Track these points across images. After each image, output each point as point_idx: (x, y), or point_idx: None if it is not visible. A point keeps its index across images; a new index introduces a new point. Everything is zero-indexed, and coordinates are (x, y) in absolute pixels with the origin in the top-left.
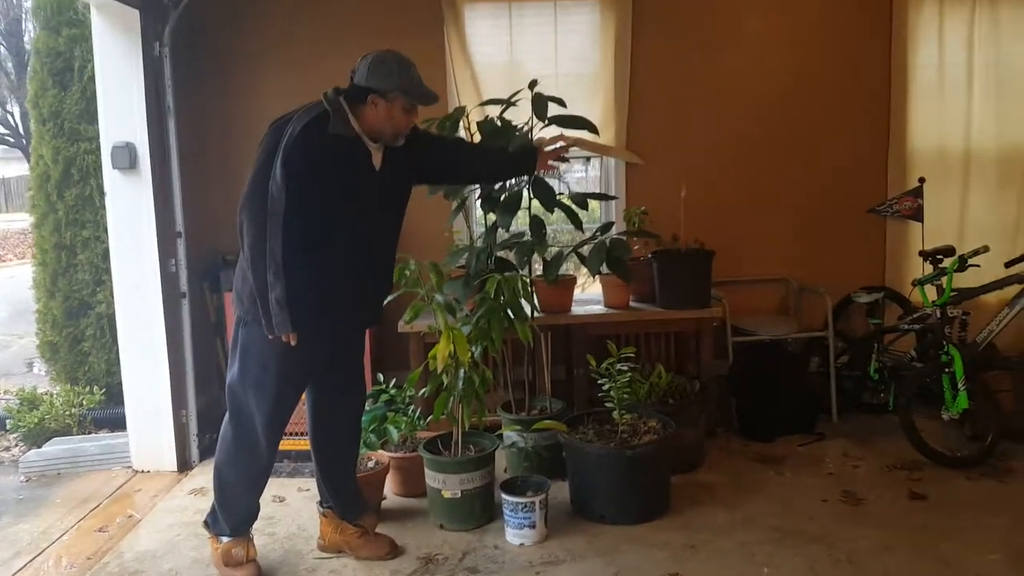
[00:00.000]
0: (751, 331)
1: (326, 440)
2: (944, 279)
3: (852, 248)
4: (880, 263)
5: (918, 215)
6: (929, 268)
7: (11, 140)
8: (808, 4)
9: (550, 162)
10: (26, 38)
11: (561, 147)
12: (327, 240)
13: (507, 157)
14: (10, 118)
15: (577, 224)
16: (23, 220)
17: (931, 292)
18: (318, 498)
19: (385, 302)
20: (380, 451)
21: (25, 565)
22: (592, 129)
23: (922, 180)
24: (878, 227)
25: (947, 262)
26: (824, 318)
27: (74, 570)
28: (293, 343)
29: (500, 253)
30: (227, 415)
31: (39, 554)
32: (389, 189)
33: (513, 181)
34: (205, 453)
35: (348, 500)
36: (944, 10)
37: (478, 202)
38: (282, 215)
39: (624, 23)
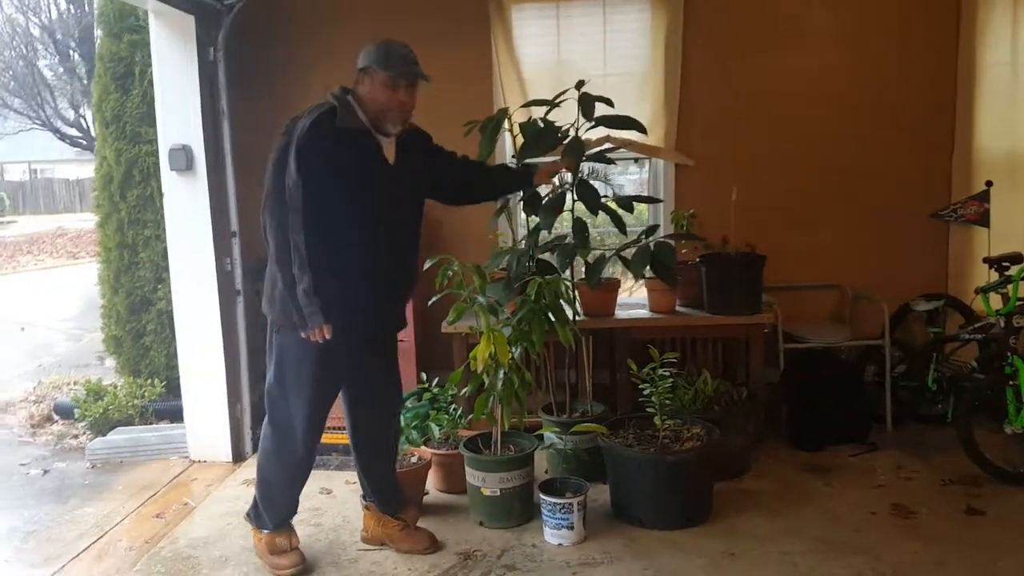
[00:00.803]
0: (804, 338)
1: (365, 439)
2: (1010, 287)
3: (912, 254)
4: (942, 270)
5: (984, 220)
6: (994, 275)
7: (84, 143)
8: (869, 2)
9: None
10: (97, 44)
11: (560, 165)
12: (347, 235)
13: (508, 173)
14: (83, 122)
15: (621, 227)
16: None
17: (995, 301)
18: (361, 492)
19: (409, 302)
20: (422, 447)
21: (89, 546)
22: (641, 129)
23: (989, 184)
24: (940, 233)
25: (1014, 269)
26: (881, 326)
27: (133, 553)
28: (328, 335)
29: (542, 256)
30: (266, 418)
31: (101, 536)
32: (405, 184)
33: (557, 183)
34: (258, 445)
35: (388, 495)
36: (1018, 5)
37: (521, 204)
38: (301, 209)
39: (675, 22)
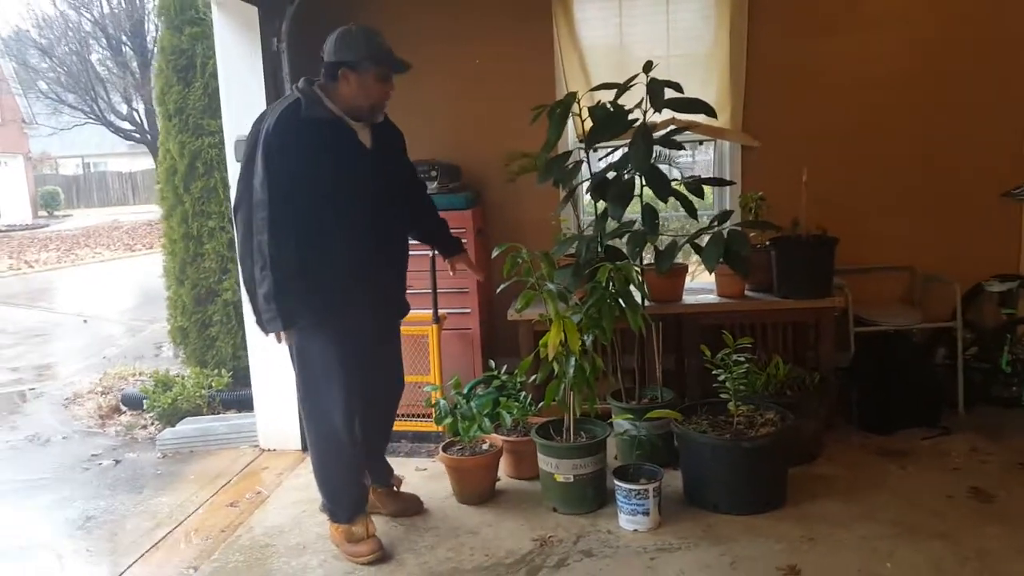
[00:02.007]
0: (874, 321)
1: (376, 413)
2: None
3: (984, 234)
4: (1015, 250)
5: None
6: None
7: (137, 136)
8: None
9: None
10: (149, 38)
11: (478, 273)
12: (334, 224)
13: (444, 229)
14: (136, 115)
15: (692, 213)
16: (149, 212)
17: None
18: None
19: (405, 279)
20: (493, 435)
21: (166, 535)
22: (710, 112)
23: None
24: (1014, 212)
25: None
26: (952, 308)
27: (210, 542)
28: (280, 342)
29: (610, 242)
30: (306, 421)
31: (177, 526)
32: (384, 167)
33: (625, 170)
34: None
35: (383, 467)
36: None
37: (586, 191)
38: (267, 209)
39: (740, 1)
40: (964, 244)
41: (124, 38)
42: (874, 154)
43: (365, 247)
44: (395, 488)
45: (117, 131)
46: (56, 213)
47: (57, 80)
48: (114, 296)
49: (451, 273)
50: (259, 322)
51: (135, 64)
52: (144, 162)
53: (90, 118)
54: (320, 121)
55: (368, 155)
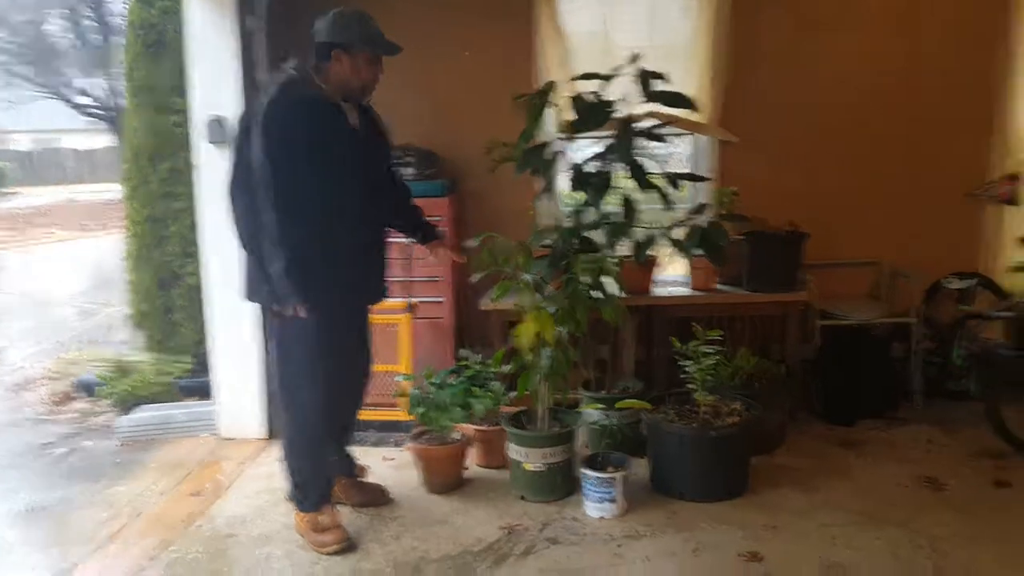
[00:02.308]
0: (838, 315)
1: (347, 402)
2: None
3: (947, 233)
4: (975, 249)
5: (1015, 200)
6: None
7: (97, 112)
8: None
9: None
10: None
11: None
12: (327, 202)
13: (419, 216)
14: (96, 90)
15: (668, 206)
16: (108, 191)
17: None
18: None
19: (388, 263)
20: (464, 424)
21: (125, 526)
22: (693, 107)
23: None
24: (976, 211)
25: None
26: (911, 303)
27: (171, 532)
28: (303, 314)
29: (586, 233)
30: (282, 405)
31: (138, 515)
32: (370, 148)
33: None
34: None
35: (349, 456)
36: None
37: (564, 182)
38: (272, 185)
39: None
40: (929, 241)
41: (86, 11)
42: (844, 151)
43: (353, 229)
44: (360, 478)
45: (75, 106)
46: (5, 190)
47: (10, 51)
48: (67, 278)
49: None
50: (275, 298)
51: (96, 37)
52: (103, 139)
53: (46, 92)
54: (315, 100)
55: (356, 135)
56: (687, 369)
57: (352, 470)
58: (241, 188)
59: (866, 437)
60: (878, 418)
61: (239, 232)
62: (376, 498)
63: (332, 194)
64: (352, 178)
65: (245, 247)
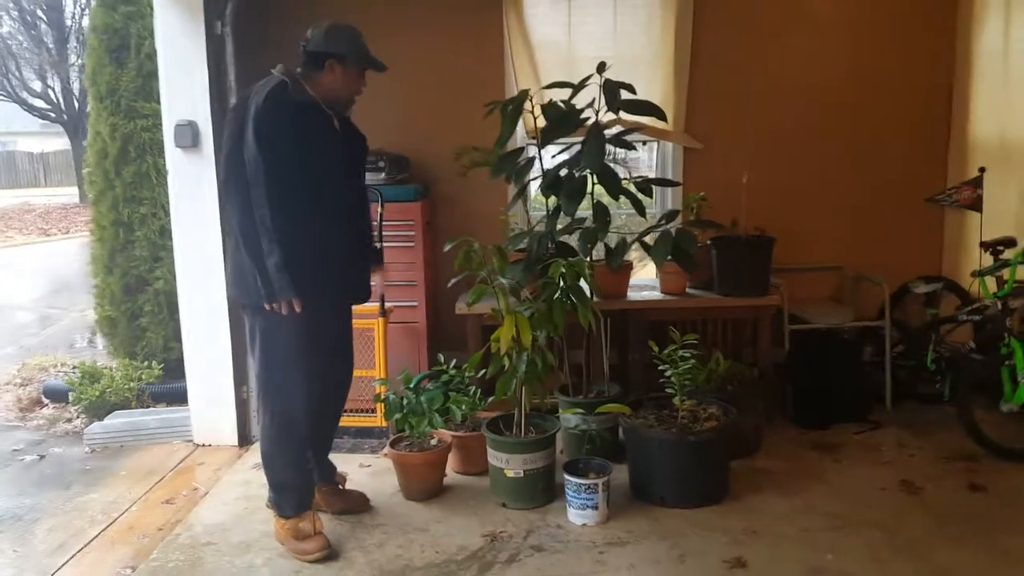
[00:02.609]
0: (807, 319)
1: (330, 408)
2: (1006, 271)
3: (909, 237)
4: (938, 253)
5: (977, 205)
6: (988, 259)
7: (52, 115)
8: None
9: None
10: (66, 12)
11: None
12: (312, 204)
13: (370, 242)
14: (51, 93)
15: (640, 211)
16: (63, 195)
17: (991, 283)
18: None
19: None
20: (442, 430)
21: (99, 534)
22: (661, 116)
23: (982, 170)
24: (936, 217)
25: (1008, 253)
26: (879, 307)
27: (147, 540)
28: (298, 308)
29: (560, 238)
30: (262, 409)
31: (111, 524)
32: (351, 155)
33: (578, 168)
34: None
35: (328, 463)
36: None
37: (538, 188)
38: (264, 183)
39: (685, 4)
40: (891, 246)
41: (39, 12)
42: (808, 157)
43: (336, 230)
44: (340, 486)
45: (30, 109)
46: None
47: None
48: (26, 283)
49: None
50: (268, 293)
51: (50, 39)
52: (57, 142)
53: (1, 95)
54: (304, 104)
55: (340, 142)
56: (665, 373)
57: (332, 476)
58: (233, 189)
59: (840, 440)
60: (850, 422)
61: (233, 231)
62: (357, 505)
63: (320, 193)
64: (338, 181)
65: (239, 247)
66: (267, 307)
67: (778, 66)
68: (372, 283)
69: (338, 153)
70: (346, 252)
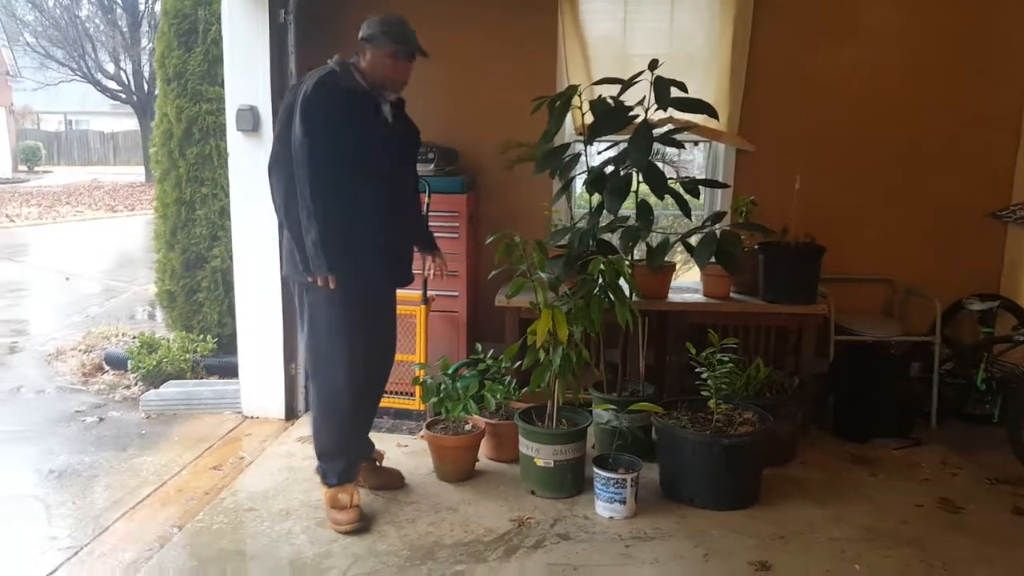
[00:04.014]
0: (854, 330)
1: (374, 386)
2: None
3: (966, 253)
4: (996, 270)
5: None
6: None
7: (123, 96)
8: None
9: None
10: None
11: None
12: (356, 189)
13: (422, 225)
14: (123, 75)
15: (686, 212)
16: (130, 173)
17: None
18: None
19: (413, 253)
20: (476, 416)
21: (151, 494)
22: (713, 114)
23: None
24: (998, 233)
25: None
26: (931, 322)
27: (194, 502)
28: (332, 285)
29: (602, 236)
30: (310, 381)
31: (161, 485)
32: (403, 143)
33: (624, 165)
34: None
35: (367, 440)
36: None
37: (582, 184)
38: (307, 166)
39: (745, 6)
40: (947, 261)
41: None
42: (864, 166)
43: (381, 214)
44: (377, 463)
45: (103, 90)
46: (36, 169)
47: (45, 34)
48: (93, 256)
49: (426, 269)
50: (307, 268)
51: (124, 22)
52: (126, 123)
53: (77, 75)
54: (352, 90)
55: (389, 129)
56: (702, 376)
57: (370, 454)
58: (281, 168)
59: (879, 455)
60: (891, 436)
61: (277, 208)
62: (392, 482)
63: (364, 176)
64: (382, 166)
65: (283, 224)
66: (309, 281)
67: (836, 72)
68: (427, 269)
69: (386, 138)
70: (391, 235)
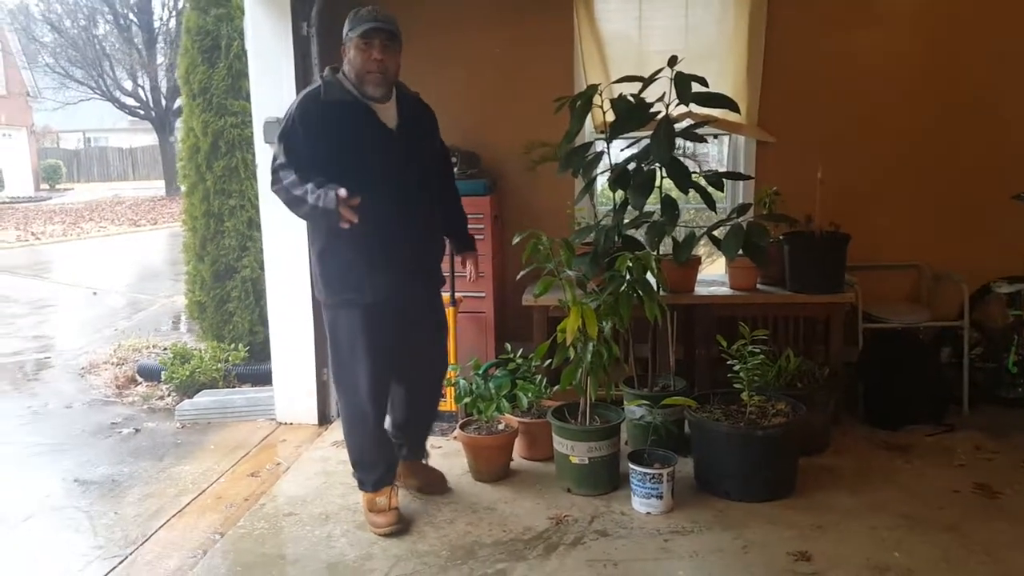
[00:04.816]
0: (882, 318)
1: (413, 390)
2: None
3: (993, 236)
4: (1021, 252)
5: None
6: None
7: (141, 112)
8: None
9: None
10: (155, 16)
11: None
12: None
13: (462, 226)
14: (141, 92)
15: (711, 205)
16: (150, 188)
17: None
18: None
19: (439, 259)
20: (508, 416)
21: (191, 502)
22: (734, 108)
23: None
24: (1022, 215)
25: None
26: (959, 307)
27: (234, 509)
28: (356, 202)
29: (627, 231)
30: (336, 391)
31: (200, 493)
32: (410, 149)
33: (647, 161)
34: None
35: (419, 443)
36: None
37: (605, 182)
38: (289, 170)
39: None
40: (973, 244)
41: (131, 15)
42: (886, 152)
43: (390, 224)
44: (423, 462)
45: (122, 107)
46: (57, 186)
47: (64, 54)
48: (118, 270)
49: (462, 266)
50: (325, 216)
51: (140, 41)
52: (144, 138)
53: (96, 93)
54: (338, 103)
55: (390, 135)
56: (734, 368)
57: (421, 456)
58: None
59: (912, 441)
60: (923, 423)
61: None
62: (434, 485)
63: (362, 185)
64: (382, 175)
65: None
66: (343, 227)
67: (854, 59)
68: (465, 270)
69: (387, 146)
70: (404, 241)
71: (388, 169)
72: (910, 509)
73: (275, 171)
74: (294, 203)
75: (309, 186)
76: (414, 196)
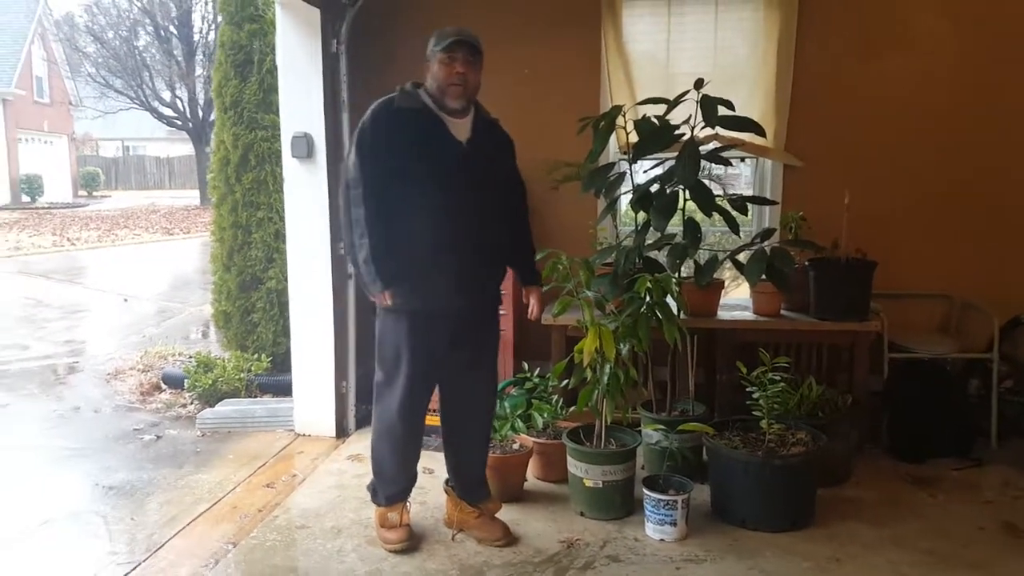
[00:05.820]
0: (908, 347)
1: (454, 422)
2: None
3: (1023, 265)
4: None
5: None
6: None
7: (178, 123)
8: (989, 5)
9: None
10: (195, 29)
11: (535, 313)
12: (418, 213)
13: (529, 257)
14: (178, 102)
15: (734, 229)
16: (185, 198)
17: None
18: (445, 476)
19: (496, 281)
20: (523, 435)
21: (206, 511)
22: (760, 132)
23: None
24: None
25: None
26: (988, 338)
27: (247, 520)
28: (389, 302)
29: (648, 253)
30: (373, 398)
31: (216, 503)
32: (479, 165)
33: (671, 183)
34: (361, 422)
35: (471, 485)
36: None
37: (628, 203)
38: (360, 186)
39: (789, 21)
40: (1003, 274)
41: (171, 28)
42: (915, 180)
43: (447, 235)
44: (482, 513)
45: (160, 117)
46: (95, 193)
47: (105, 65)
48: (150, 277)
49: (524, 300)
50: (362, 285)
51: (180, 53)
52: (181, 148)
53: (135, 103)
54: (411, 111)
55: (458, 147)
56: (754, 395)
57: (477, 498)
58: (344, 188)
59: (938, 475)
60: (951, 456)
61: (341, 224)
62: (497, 536)
63: (421, 199)
64: (446, 185)
65: (344, 235)
66: (371, 298)
67: (882, 83)
68: (524, 299)
69: (454, 158)
70: (454, 250)
71: (450, 180)
72: (933, 545)
73: (346, 185)
74: (351, 238)
75: (370, 247)
76: (475, 211)
